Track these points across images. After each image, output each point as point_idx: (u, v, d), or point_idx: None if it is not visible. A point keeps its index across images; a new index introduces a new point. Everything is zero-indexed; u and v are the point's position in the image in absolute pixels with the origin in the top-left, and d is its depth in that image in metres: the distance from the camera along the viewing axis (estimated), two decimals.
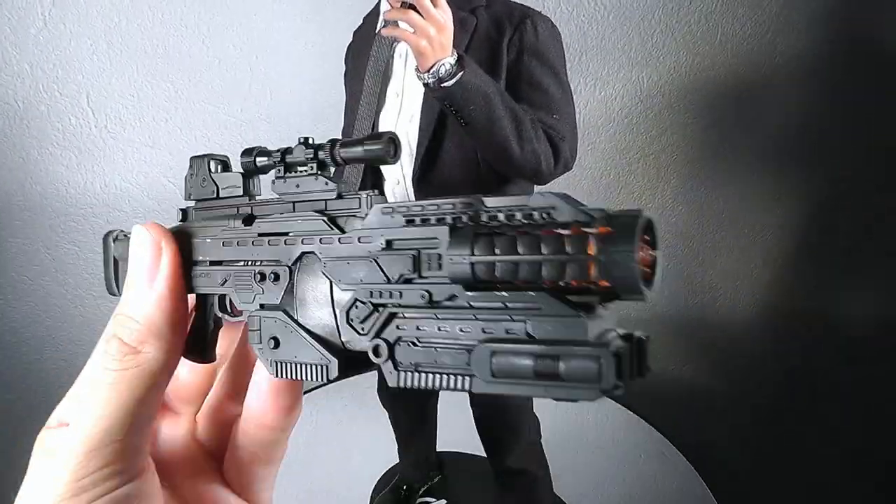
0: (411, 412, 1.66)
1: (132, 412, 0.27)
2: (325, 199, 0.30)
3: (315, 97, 1.89)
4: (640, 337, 0.21)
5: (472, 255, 0.23)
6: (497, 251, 0.22)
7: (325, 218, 0.29)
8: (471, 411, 1.47)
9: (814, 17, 1.94)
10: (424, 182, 1.24)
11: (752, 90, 2.01)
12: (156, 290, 0.29)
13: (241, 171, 0.33)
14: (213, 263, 0.32)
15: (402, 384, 0.25)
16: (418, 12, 1.00)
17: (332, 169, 0.30)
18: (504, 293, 0.22)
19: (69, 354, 1.95)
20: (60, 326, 1.95)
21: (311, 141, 0.31)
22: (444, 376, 0.24)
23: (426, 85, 1.06)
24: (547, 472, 1.51)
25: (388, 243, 0.26)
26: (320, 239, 0.28)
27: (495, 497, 1.55)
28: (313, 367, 0.28)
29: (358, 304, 0.26)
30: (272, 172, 0.32)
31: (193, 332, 0.32)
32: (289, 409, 0.32)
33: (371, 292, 0.26)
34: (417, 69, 1.05)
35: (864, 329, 2.08)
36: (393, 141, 0.29)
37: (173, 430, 0.34)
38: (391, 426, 1.69)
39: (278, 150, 0.32)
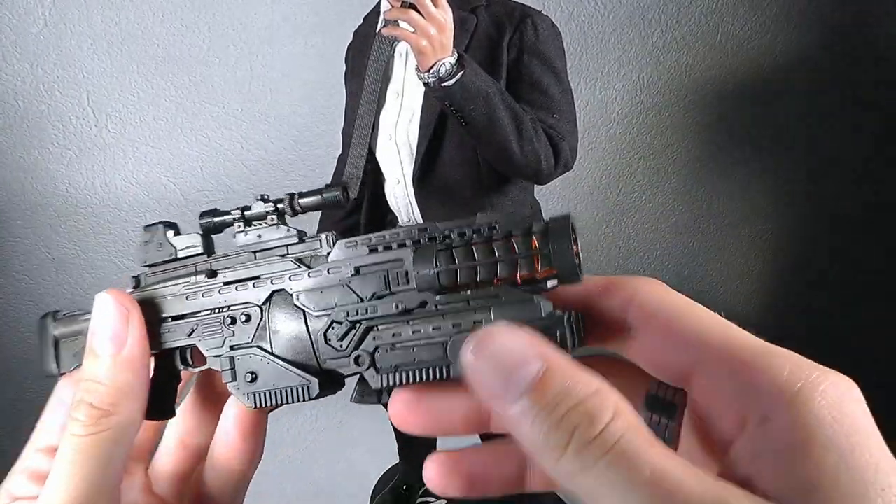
0: None
1: (103, 476, 0.28)
2: (287, 245, 0.32)
3: (315, 97, 1.89)
4: (577, 314, 0.25)
5: (436, 266, 0.27)
6: (457, 260, 0.27)
7: (291, 258, 0.32)
8: None
9: (814, 17, 1.94)
10: (424, 182, 1.24)
11: (752, 90, 2.01)
12: (128, 353, 0.30)
13: (200, 231, 0.35)
14: (175, 318, 0.33)
15: (384, 384, 0.28)
16: (419, 12, 1.00)
17: (289, 219, 0.34)
18: (468, 292, 0.27)
19: None
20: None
21: (266, 196, 0.34)
22: (424, 370, 0.27)
23: (426, 84, 1.06)
24: None
25: (357, 269, 0.29)
26: (289, 276, 0.31)
27: (495, 497, 1.55)
28: (294, 390, 0.30)
29: (334, 325, 0.29)
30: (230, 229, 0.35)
31: (154, 391, 0.32)
32: (255, 452, 0.34)
33: (347, 312, 0.29)
34: (418, 69, 1.05)
35: (865, 329, 2.08)
36: (346, 189, 0.34)
37: (129, 491, 0.34)
38: (391, 426, 1.69)
39: (238, 208, 0.34)
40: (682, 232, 2.14)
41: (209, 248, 0.35)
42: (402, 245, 0.29)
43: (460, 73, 1.04)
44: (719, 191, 2.11)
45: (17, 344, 1.93)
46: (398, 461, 1.81)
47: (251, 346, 0.31)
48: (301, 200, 0.34)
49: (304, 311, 0.30)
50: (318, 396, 0.30)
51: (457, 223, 0.28)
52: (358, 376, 0.29)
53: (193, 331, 0.33)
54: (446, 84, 1.04)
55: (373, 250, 0.29)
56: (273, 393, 0.31)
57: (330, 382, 0.30)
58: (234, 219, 0.33)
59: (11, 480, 0.30)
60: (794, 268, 2.19)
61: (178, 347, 0.33)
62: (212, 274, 0.34)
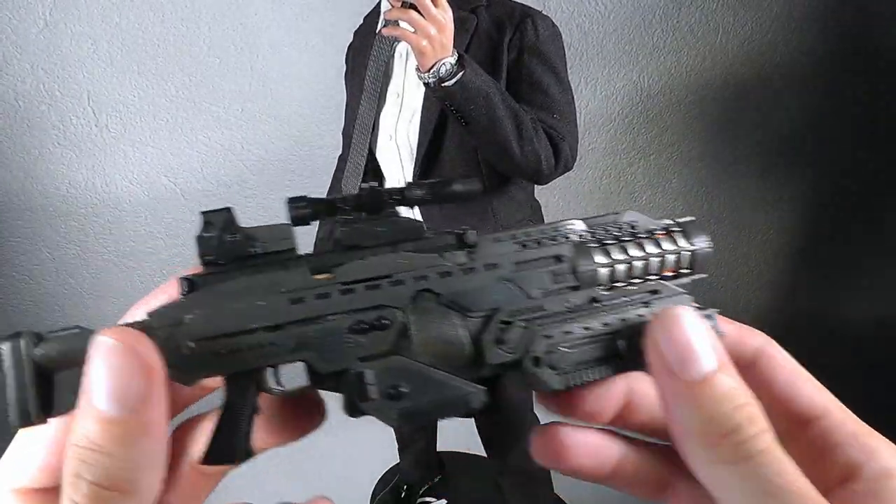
0: None
1: None
2: (416, 238, 0.28)
3: (315, 97, 1.89)
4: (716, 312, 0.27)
5: (601, 261, 0.28)
6: (614, 256, 0.28)
7: (440, 253, 0.28)
8: None
9: (814, 17, 1.94)
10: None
11: (752, 90, 2.01)
12: (149, 417, 0.22)
13: (289, 222, 0.28)
14: (270, 329, 0.26)
15: (569, 384, 0.27)
16: (419, 12, 1.00)
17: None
18: (630, 287, 0.28)
19: None
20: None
21: (379, 185, 0.29)
22: (601, 366, 0.27)
23: (427, 85, 1.06)
24: (547, 471, 1.52)
25: (518, 265, 0.28)
26: (436, 273, 0.27)
27: (495, 497, 1.55)
28: (456, 401, 0.26)
29: (502, 325, 0.27)
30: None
31: (223, 426, 0.26)
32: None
33: (515, 311, 0.27)
34: (418, 69, 1.05)
35: (865, 329, 2.08)
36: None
37: None
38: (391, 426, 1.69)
39: (351, 197, 0.29)
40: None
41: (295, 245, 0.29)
42: (552, 240, 0.28)
43: (460, 74, 1.04)
44: (719, 191, 2.11)
45: None
46: (398, 461, 1.81)
47: (391, 356, 0.27)
48: (415, 192, 0.30)
49: (458, 312, 0.27)
50: (483, 407, 0.27)
51: (598, 220, 0.29)
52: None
53: (303, 343, 0.26)
54: (446, 84, 1.04)
55: (523, 245, 0.28)
56: (428, 408, 0.26)
57: (491, 388, 0.27)
58: (344, 207, 0.29)
59: None
60: (795, 268, 2.19)
61: (271, 365, 0.26)
62: (318, 270, 0.27)
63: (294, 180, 1.96)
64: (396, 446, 1.75)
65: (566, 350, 0.27)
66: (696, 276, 0.29)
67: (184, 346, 0.25)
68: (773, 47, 1.97)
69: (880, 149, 2.02)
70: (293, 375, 0.27)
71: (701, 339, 0.22)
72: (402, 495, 1.74)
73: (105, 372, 0.22)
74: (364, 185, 0.29)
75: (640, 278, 0.28)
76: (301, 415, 0.28)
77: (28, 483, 0.24)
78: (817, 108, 2.02)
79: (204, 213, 0.27)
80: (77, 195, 1.90)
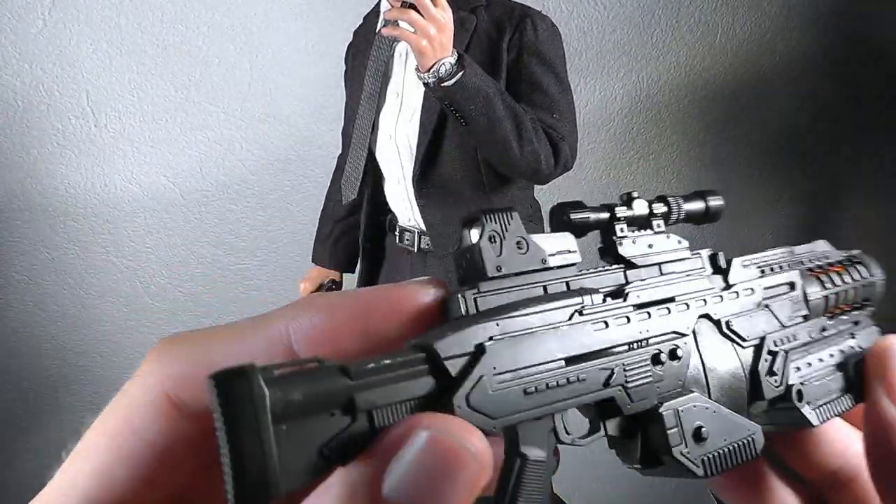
0: None
1: None
2: (684, 257, 0.26)
3: (315, 97, 1.89)
4: None
5: (827, 289, 0.27)
6: (828, 286, 0.28)
7: (707, 274, 0.26)
8: None
9: (813, 17, 1.94)
10: (424, 182, 1.24)
11: (752, 90, 2.01)
12: None
13: (571, 229, 0.24)
14: (571, 361, 0.21)
15: (821, 420, 0.25)
16: (419, 12, 1.00)
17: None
18: (843, 317, 0.28)
19: (69, 354, 1.95)
20: (60, 326, 1.95)
21: (634, 196, 0.26)
22: (842, 398, 0.26)
23: (426, 85, 1.06)
24: None
25: (767, 290, 0.27)
26: (706, 299, 0.25)
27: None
28: (742, 446, 0.23)
29: (768, 356, 0.25)
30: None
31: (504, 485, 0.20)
32: None
33: (777, 341, 0.26)
34: (418, 69, 1.05)
35: None
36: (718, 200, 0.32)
37: None
38: None
39: (607, 205, 0.25)
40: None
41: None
42: (781, 268, 0.28)
43: (460, 74, 1.04)
44: (719, 191, 2.11)
45: (17, 344, 1.93)
46: None
47: (687, 392, 0.23)
48: (686, 206, 0.28)
49: (734, 341, 0.25)
50: (761, 453, 0.24)
51: (812, 253, 0.30)
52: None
53: (611, 376, 0.21)
54: (446, 84, 1.04)
55: (762, 271, 0.27)
56: (725, 454, 0.23)
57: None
58: (620, 217, 0.25)
59: None
60: None
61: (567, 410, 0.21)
62: (617, 294, 0.23)
63: (294, 180, 1.96)
64: None
65: (813, 383, 0.26)
66: (871, 308, 0.30)
67: (490, 385, 0.19)
68: (772, 47, 1.97)
69: (880, 149, 2.02)
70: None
71: None
72: None
73: (429, 467, 0.15)
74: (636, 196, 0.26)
75: (841, 308, 0.28)
76: None
77: None
78: (817, 108, 2.02)
79: (470, 218, 0.21)
80: (77, 195, 1.90)
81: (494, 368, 0.19)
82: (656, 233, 0.26)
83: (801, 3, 1.93)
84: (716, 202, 0.29)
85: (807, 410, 0.25)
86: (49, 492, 0.19)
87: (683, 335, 0.24)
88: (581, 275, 0.23)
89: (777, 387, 0.25)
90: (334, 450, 0.15)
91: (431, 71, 1.03)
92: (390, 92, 1.25)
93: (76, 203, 1.90)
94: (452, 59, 1.04)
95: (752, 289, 0.26)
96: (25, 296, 1.94)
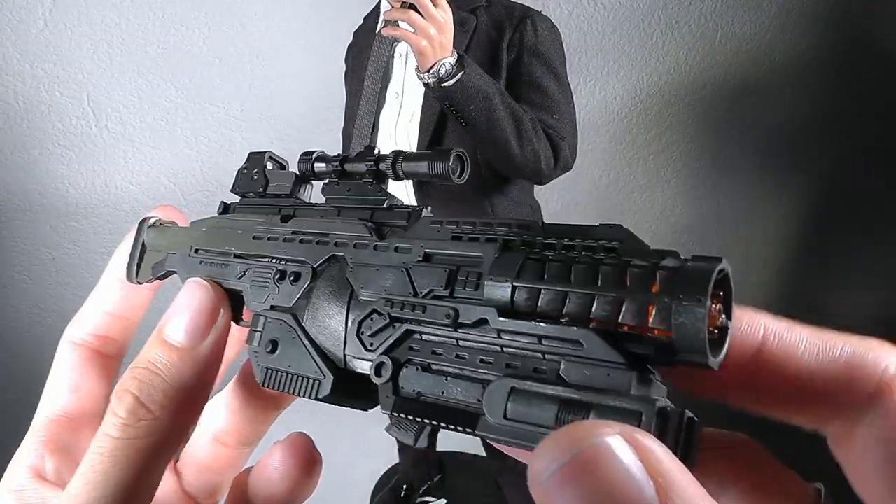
0: None
1: (135, 488, 0.23)
2: (373, 209, 0.28)
3: (315, 97, 1.89)
4: (690, 417, 0.17)
5: (517, 278, 0.20)
6: (546, 277, 0.20)
7: (368, 224, 0.27)
8: None
9: (813, 17, 1.95)
10: (424, 182, 1.24)
11: (752, 90, 2.01)
12: (203, 352, 0.25)
13: (296, 172, 0.31)
14: (237, 256, 0.30)
15: (397, 412, 0.22)
16: (419, 12, 1.00)
17: (389, 181, 0.29)
18: (543, 325, 0.19)
19: None
20: (60, 326, 1.95)
21: (376, 151, 0.29)
22: (448, 411, 0.21)
23: (426, 85, 1.06)
24: None
25: (427, 256, 0.24)
26: (354, 244, 0.26)
27: (495, 497, 1.55)
28: (304, 381, 0.25)
29: (374, 315, 0.24)
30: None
31: None
32: (311, 486, 0.29)
33: (392, 303, 0.23)
34: (418, 69, 1.05)
35: (865, 329, 2.07)
36: (461, 159, 0.28)
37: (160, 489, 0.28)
38: None
39: (337, 156, 0.30)
40: (682, 232, 2.14)
41: (294, 192, 0.31)
42: (491, 240, 0.22)
43: (460, 74, 1.04)
44: (719, 191, 2.11)
45: (17, 344, 1.93)
46: (398, 461, 1.81)
47: (287, 312, 0.27)
48: (405, 164, 0.28)
49: (352, 289, 0.25)
50: (327, 400, 0.25)
51: (570, 228, 0.21)
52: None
53: (245, 273, 0.29)
54: (446, 84, 1.04)
55: (456, 237, 0.23)
56: (285, 377, 0.26)
57: (351, 389, 0.25)
58: (334, 168, 0.30)
59: (14, 477, 0.26)
60: (794, 268, 2.19)
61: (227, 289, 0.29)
62: (287, 218, 0.30)
63: None
64: (396, 446, 1.75)
65: (418, 370, 0.22)
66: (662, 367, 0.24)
67: (192, 250, 0.32)
68: (771, 47, 1.97)
69: (880, 149, 2.02)
70: None
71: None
72: (402, 495, 1.74)
73: (182, 301, 0.26)
74: (363, 149, 0.30)
75: (575, 319, 0.20)
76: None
77: (62, 411, 0.29)
78: (816, 108, 2.02)
79: (251, 153, 0.33)
80: (77, 195, 1.90)
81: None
82: (363, 181, 0.29)
83: (801, 3, 1.93)
84: (437, 162, 0.28)
85: (385, 389, 0.23)
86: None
87: (310, 265, 0.27)
88: (295, 204, 0.31)
89: (369, 349, 0.24)
90: None
91: (431, 71, 1.03)
92: (390, 92, 1.25)
93: (76, 203, 1.90)
94: (452, 60, 1.04)
95: (409, 247, 0.24)
96: (25, 296, 1.94)
